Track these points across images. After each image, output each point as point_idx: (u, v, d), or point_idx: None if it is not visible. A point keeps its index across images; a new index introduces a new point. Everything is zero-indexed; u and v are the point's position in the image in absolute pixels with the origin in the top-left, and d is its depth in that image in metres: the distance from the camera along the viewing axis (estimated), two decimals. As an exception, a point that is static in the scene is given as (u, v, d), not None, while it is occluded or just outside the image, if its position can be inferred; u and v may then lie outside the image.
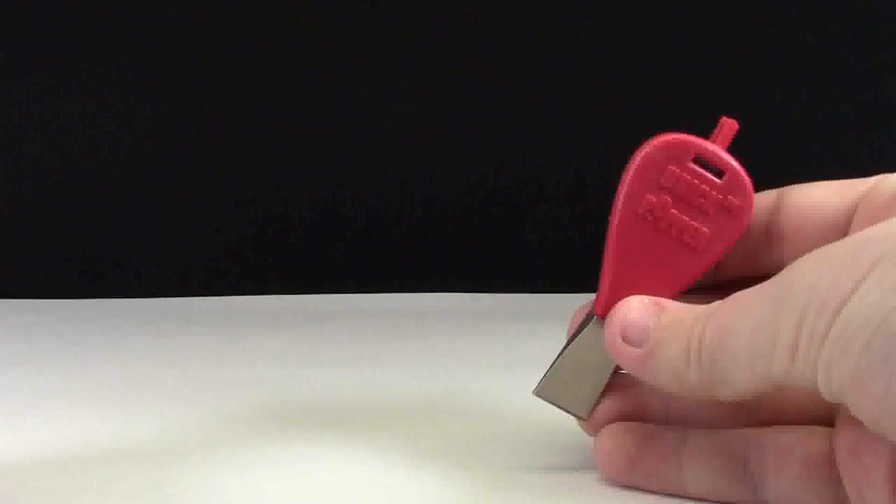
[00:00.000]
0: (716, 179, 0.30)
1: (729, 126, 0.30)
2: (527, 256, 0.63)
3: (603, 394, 0.31)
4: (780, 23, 0.63)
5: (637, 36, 0.62)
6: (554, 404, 0.31)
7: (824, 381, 0.23)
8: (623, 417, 0.31)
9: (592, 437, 0.31)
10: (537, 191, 0.63)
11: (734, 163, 0.30)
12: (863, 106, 0.62)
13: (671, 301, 0.29)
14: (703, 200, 0.30)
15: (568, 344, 0.31)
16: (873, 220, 0.28)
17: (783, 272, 0.25)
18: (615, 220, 0.30)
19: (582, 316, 0.31)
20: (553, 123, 0.63)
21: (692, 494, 0.30)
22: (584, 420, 0.31)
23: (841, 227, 0.29)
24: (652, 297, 0.29)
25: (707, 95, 0.61)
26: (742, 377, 0.25)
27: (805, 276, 0.24)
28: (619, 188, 0.30)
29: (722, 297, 0.31)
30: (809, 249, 0.29)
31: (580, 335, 0.31)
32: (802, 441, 0.28)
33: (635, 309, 0.28)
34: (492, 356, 0.47)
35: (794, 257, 0.29)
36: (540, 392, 0.31)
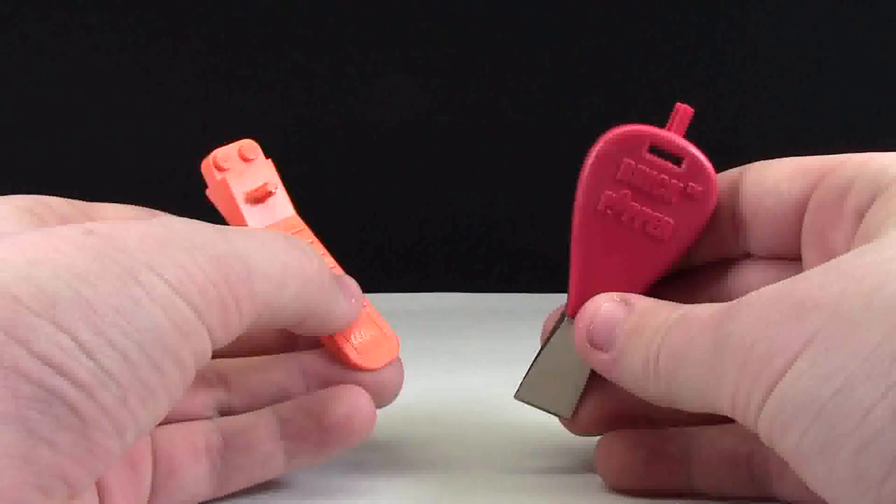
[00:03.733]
0: (675, 167, 0.29)
1: (684, 112, 0.30)
2: (526, 256, 0.63)
3: (584, 392, 0.30)
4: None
5: (634, 34, 0.62)
6: (536, 406, 0.31)
7: (766, 442, 0.23)
8: (609, 416, 0.31)
9: (595, 455, 0.30)
10: (535, 190, 0.63)
11: (692, 148, 0.29)
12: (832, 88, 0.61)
13: (640, 298, 0.28)
14: (663, 190, 0.29)
15: (543, 346, 0.31)
16: (823, 216, 0.27)
17: (729, 312, 0.24)
18: (576, 218, 0.30)
19: (553, 321, 0.31)
20: (553, 123, 0.63)
21: (700, 494, 0.30)
22: (568, 420, 0.31)
23: (795, 218, 0.28)
24: (621, 295, 0.28)
25: (699, 92, 0.60)
26: (695, 403, 0.25)
27: (744, 334, 0.23)
28: (578, 187, 0.30)
29: (698, 287, 0.30)
30: (768, 237, 0.29)
31: (554, 336, 0.30)
32: None
33: (602, 310, 0.28)
34: (491, 356, 0.47)
35: (757, 244, 0.29)
36: (521, 395, 0.31)
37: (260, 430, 0.29)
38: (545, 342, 0.31)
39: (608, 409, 0.31)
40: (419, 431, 0.36)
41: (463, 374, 0.44)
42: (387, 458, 0.33)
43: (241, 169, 0.32)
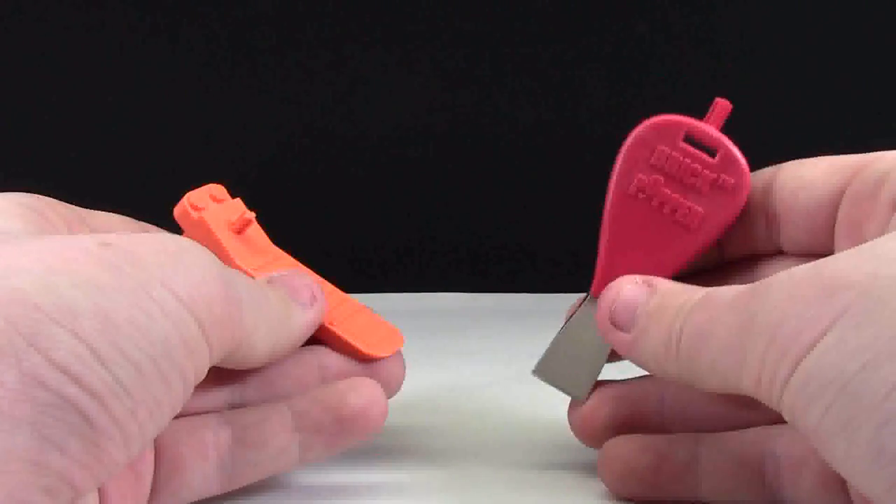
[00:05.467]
0: (708, 158, 0.30)
1: (722, 106, 0.30)
2: (526, 256, 0.63)
3: (597, 385, 0.31)
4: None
5: (634, 35, 0.62)
6: (551, 384, 0.31)
7: (788, 419, 0.23)
8: (618, 415, 0.30)
9: (598, 455, 0.30)
10: (536, 190, 0.63)
11: (727, 141, 0.30)
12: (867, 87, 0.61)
13: (663, 281, 0.28)
14: (695, 179, 0.30)
15: (566, 324, 0.31)
16: (859, 208, 0.27)
17: (756, 291, 0.24)
18: (608, 200, 0.30)
19: (579, 302, 0.31)
20: (554, 124, 0.63)
21: (708, 500, 0.29)
22: (581, 402, 0.31)
23: (829, 212, 0.29)
24: (644, 277, 0.28)
25: (702, 95, 0.61)
26: (716, 383, 0.25)
27: (771, 310, 0.23)
28: (613, 170, 0.30)
29: (727, 280, 0.31)
30: (801, 233, 0.29)
31: (575, 315, 0.31)
32: (815, 452, 0.27)
33: (625, 291, 0.28)
34: (491, 355, 0.46)
35: (790, 240, 0.30)
36: (538, 372, 0.31)
37: (273, 424, 0.29)
38: (567, 320, 0.31)
39: (617, 407, 0.30)
40: (419, 430, 0.36)
41: (463, 373, 0.44)
42: (387, 456, 0.33)
43: (215, 208, 0.32)
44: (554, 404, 0.36)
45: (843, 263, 0.23)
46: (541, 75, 0.62)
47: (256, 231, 0.33)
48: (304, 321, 0.29)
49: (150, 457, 0.28)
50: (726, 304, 0.25)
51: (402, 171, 0.63)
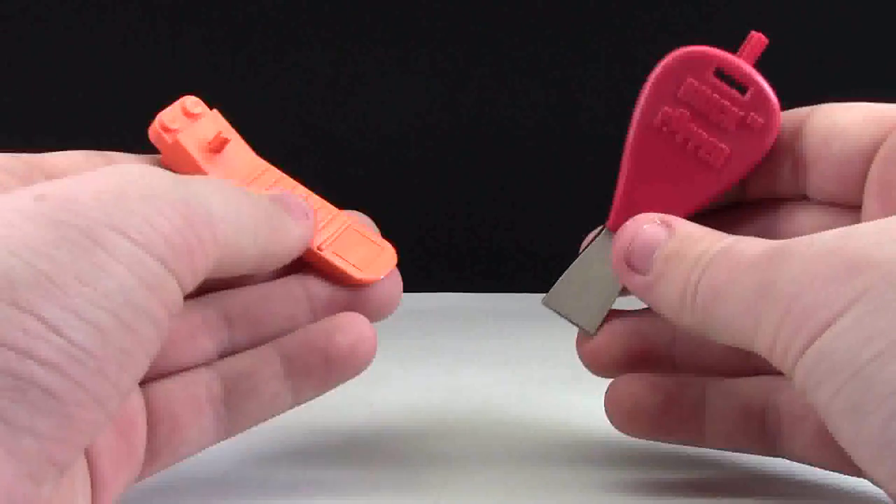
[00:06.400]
0: (738, 95, 0.28)
1: (757, 40, 0.29)
2: (527, 256, 0.62)
3: (610, 314, 0.30)
4: None
5: (635, 35, 0.62)
6: (561, 315, 0.30)
7: (799, 390, 0.23)
8: (629, 350, 0.30)
9: (606, 392, 0.30)
10: (536, 190, 0.62)
11: (759, 78, 0.28)
12: None
13: (683, 222, 0.27)
14: (722, 116, 0.28)
15: (579, 256, 0.30)
16: (893, 167, 0.26)
17: (777, 255, 0.23)
18: (631, 131, 0.29)
19: (596, 233, 0.30)
20: (554, 124, 0.62)
21: (710, 447, 0.29)
22: (591, 335, 0.30)
23: (861, 166, 0.27)
24: (662, 216, 0.27)
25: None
26: (730, 339, 0.25)
27: (790, 281, 0.23)
28: (638, 100, 0.29)
29: (746, 222, 0.30)
30: (829, 183, 0.28)
31: (590, 246, 0.30)
32: (814, 410, 0.27)
33: (642, 231, 0.27)
34: (491, 355, 0.46)
35: (816, 188, 0.28)
36: (548, 301, 0.30)
37: (264, 372, 0.28)
38: (582, 251, 0.30)
39: (628, 342, 0.30)
40: (419, 430, 0.36)
41: (463, 373, 0.43)
42: (387, 455, 0.33)
43: (190, 126, 0.30)
44: (554, 404, 0.36)
45: (865, 239, 0.22)
46: (541, 75, 0.62)
47: (238, 146, 0.31)
48: (297, 232, 0.28)
49: (143, 421, 0.27)
50: (746, 264, 0.24)
51: (401, 172, 0.63)
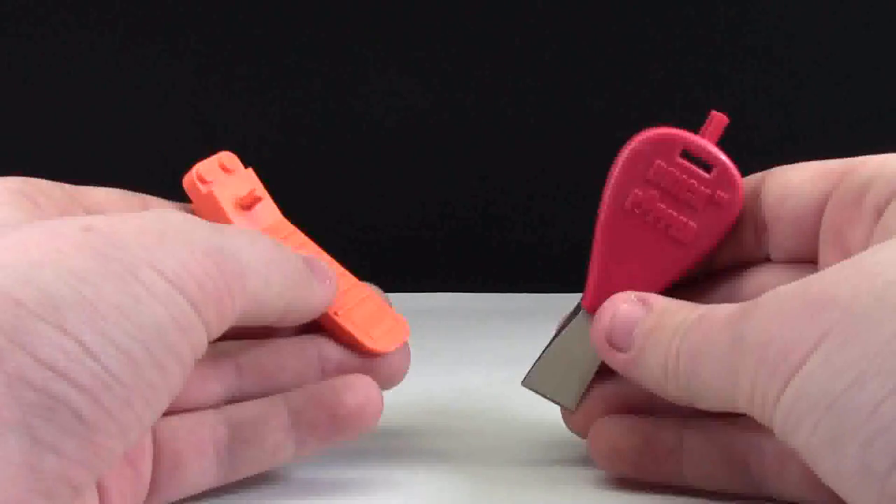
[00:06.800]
0: (704, 174, 0.30)
1: (718, 120, 0.30)
2: (527, 256, 0.63)
3: (590, 386, 0.31)
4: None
5: (629, 35, 0.62)
6: (542, 395, 0.31)
7: (780, 437, 0.24)
8: (612, 412, 0.31)
9: (588, 436, 0.31)
10: (536, 190, 0.63)
11: (723, 157, 0.30)
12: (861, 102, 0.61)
13: (658, 298, 0.28)
14: (690, 195, 0.30)
15: (556, 336, 0.31)
16: (842, 214, 0.27)
17: (746, 311, 0.24)
18: (602, 213, 0.30)
19: (571, 313, 0.31)
20: (554, 123, 0.63)
21: (693, 487, 0.30)
22: (571, 412, 0.31)
23: (814, 219, 0.28)
24: (639, 294, 0.28)
25: (699, 93, 0.60)
26: (714, 402, 0.26)
27: (760, 331, 0.24)
28: (607, 182, 0.30)
29: (716, 289, 0.31)
30: (788, 240, 0.29)
31: (568, 327, 0.31)
32: None
33: (621, 310, 0.28)
34: (491, 355, 0.47)
35: (776, 247, 0.30)
36: (528, 382, 0.31)
37: (270, 421, 0.29)
38: (558, 331, 0.31)
39: (611, 405, 0.31)
40: (418, 430, 0.36)
41: (463, 373, 0.44)
42: (388, 455, 0.33)
43: (225, 180, 0.32)
44: (553, 404, 0.36)
45: (826, 280, 0.23)
46: (541, 75, 0.62)
47: (268, 206, 0.33)
48: (321, 293, 0.29)
49: (150, 453, 0.28)
50: (720, 324, 0.25)
51: (401, 172, 0.63)
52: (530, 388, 0.31)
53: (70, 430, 0.21)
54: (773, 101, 0.62)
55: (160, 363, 0.22)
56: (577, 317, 0.31)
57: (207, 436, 0.29)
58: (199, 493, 0.29)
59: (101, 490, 0.25)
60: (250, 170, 0.33)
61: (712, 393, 0.25)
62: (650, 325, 0.27)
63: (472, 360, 0.46)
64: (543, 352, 0.31)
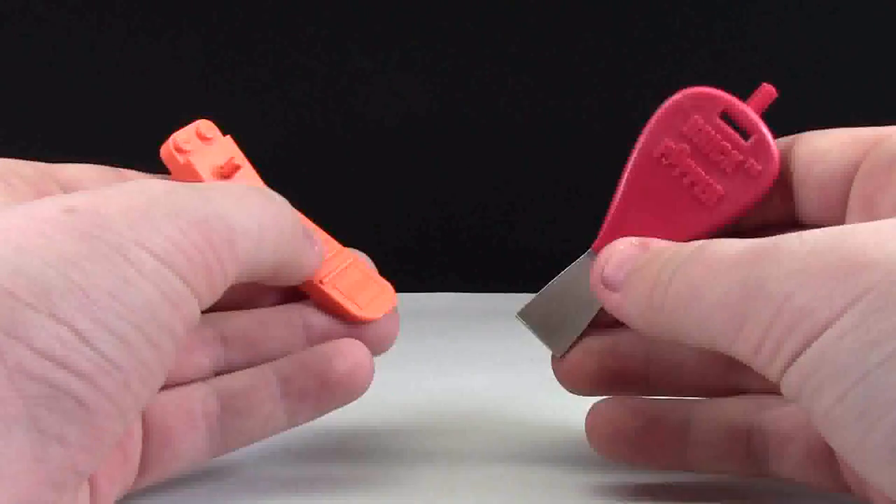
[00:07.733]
0: (741, 140, 0.29)
1: (767, 91, 0.29)
2: (527, 256, 0.62)
3: (584, 334, 0.30)
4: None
5: (630, 36, 0.62)
6: (532, 331, 0.30)
7: (788, 395, 0.22)
8: (601, 369, 0.30)
9: (587, 416, 0.30)
10: (537, 191, 0.63)
11: (763, 126, 0.29)
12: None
13: (659, 241, 0.27)
14: (722, 157, 0.29)
15: (560, 274, 0.30)
16: (873, 181, 0.26)
17: (764, 253, 0.23)
18: (630, 160, 0.30)
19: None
20: (554, 123, 0.62)
21: (693, 471, 0.29)
22: (556, 360, 0.30)
23: (842, 186, 0.27)
24: (641, 239, 0.27)
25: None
26: (703, 340, 0.24)
27: (783, 280, 0.22)
28: (643, 130, 0.30)
29: None
30: (814, 206, 0.28)
31: (572, 266, 0.30)
32: (803, 429, 0.27)
33: (618, 251, 0.27)
34: (491, 356, 0.46)
35: (803, 211, 0.29)
36: (522, 315, 0.30)
37: (260, 391, 0.29)
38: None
39: (602, 360, 0.30)
40: (420, 430, 0.36)
41: (462, 374, 0.43)
42: (386, 455, 0.33)
43: (203, 148, 0.31)
44: (553, 404, 0.36)
45: (862, 238, 0.21)
46: (542, 76, 0.62)
47: (248, 174, 0.32)
48: (311, 254, 0.29)
49: (138, 434, 0.27)
50: (729, 260, 0.23)
51: (400, 172, 0.63)
52: (522, 321, 0.30)
53: (73, 418, 0.21)
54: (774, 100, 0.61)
55: (154, 342, 0.22)
56: (583, 257, 0.30)
57: (198, 409, 0.28)
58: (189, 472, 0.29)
59: (89, 477, 0.25)
60: (229, 137, 0.32)
61: (704, 331, 0.23)
62: (642, 261, 0.26)
63: (473, 360, 0.46)
64: (545, 287, 0.30)
